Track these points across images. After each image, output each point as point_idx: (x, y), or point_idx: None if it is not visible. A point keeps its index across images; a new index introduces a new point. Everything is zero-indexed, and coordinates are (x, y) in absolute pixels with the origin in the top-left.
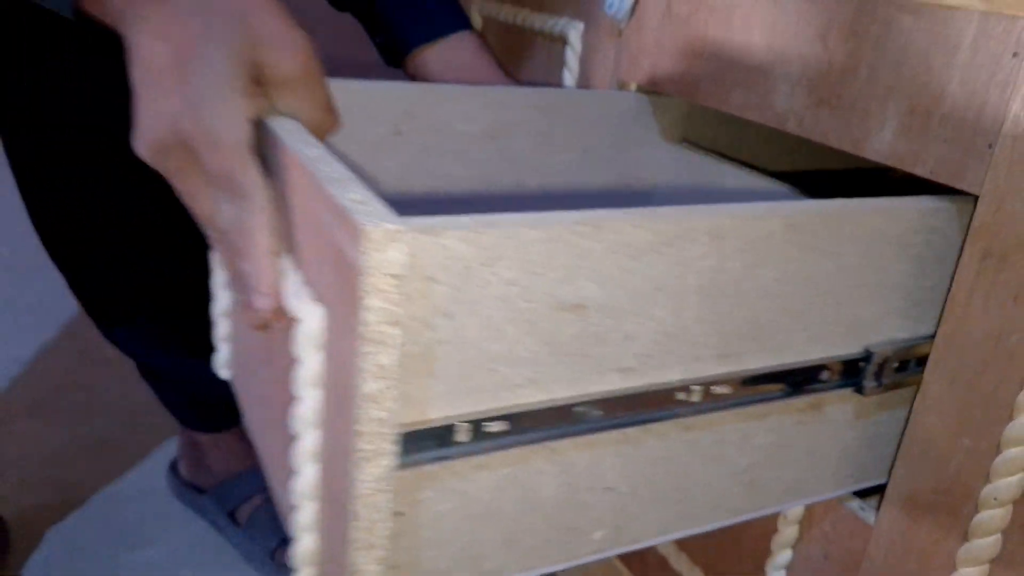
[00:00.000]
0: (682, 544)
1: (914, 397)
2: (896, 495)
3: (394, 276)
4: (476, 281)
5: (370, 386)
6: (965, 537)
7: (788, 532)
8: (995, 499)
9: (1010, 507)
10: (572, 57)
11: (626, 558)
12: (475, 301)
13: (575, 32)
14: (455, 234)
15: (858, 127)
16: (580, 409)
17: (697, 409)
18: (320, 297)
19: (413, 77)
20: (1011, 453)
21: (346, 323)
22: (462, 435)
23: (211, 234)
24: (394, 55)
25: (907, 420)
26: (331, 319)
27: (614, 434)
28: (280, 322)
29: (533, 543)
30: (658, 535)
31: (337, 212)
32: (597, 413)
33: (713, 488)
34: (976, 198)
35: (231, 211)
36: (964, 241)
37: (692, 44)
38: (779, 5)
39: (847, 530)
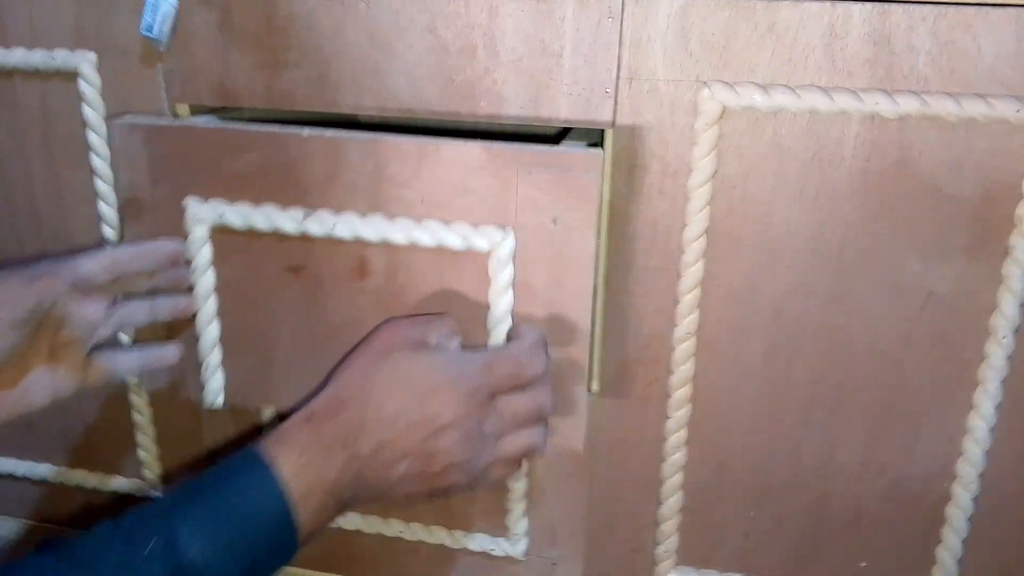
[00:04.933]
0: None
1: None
2: (604, 368)
3: None
4: None
5: None
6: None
7: None
8: (687, 333)
9: (695, 339)
10: (90, 91)
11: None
12: None
13: (87, 64)
14: None
15: (488, 100)
16: None
17: None
18: None
19: None
20: (686, 299)
21: None
22: None
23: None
24: None
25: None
26: None
27: None
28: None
29: None
30: None
31: None
32: None
33: None
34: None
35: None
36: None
37: (273, 52)
38: (369, 4)
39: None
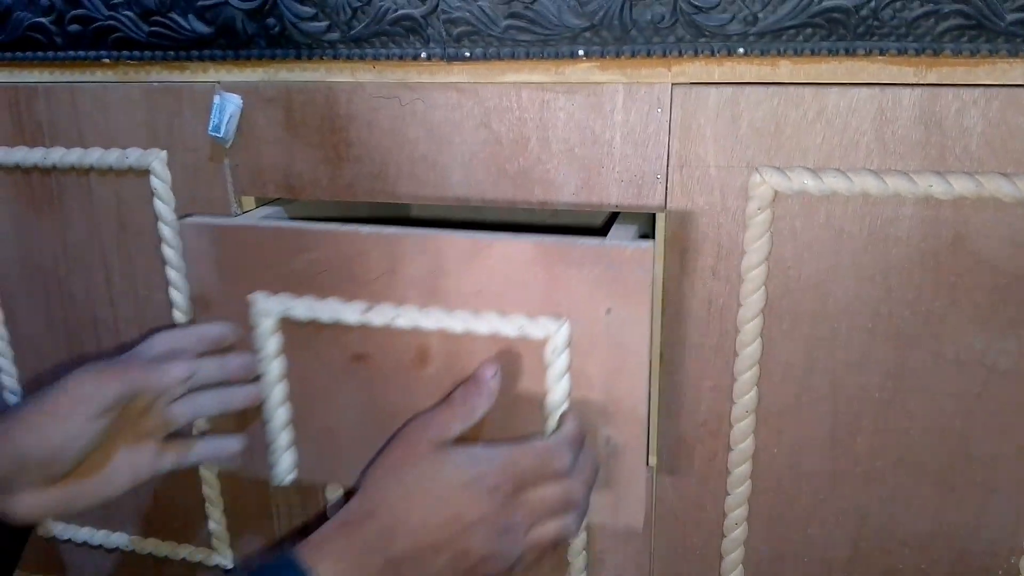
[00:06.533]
0: None
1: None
2: (662, 444)
3: None
4: None
5: None
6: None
7: None
8: (746, 411)
9: (754, 416)
10: (163, 187)
11: None
12: None
13: (159, 161)
14: None
15: (542, 188)
16: None
17: None
18: None
19: None
20: (744, 378)
21: None
22: None
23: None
24: None
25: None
26: None
27: None
28: None
29: None
30: None
31: None
32: None
33: None
34: (664, 215)
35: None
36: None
37: (335, 148)
38: (425, 101)
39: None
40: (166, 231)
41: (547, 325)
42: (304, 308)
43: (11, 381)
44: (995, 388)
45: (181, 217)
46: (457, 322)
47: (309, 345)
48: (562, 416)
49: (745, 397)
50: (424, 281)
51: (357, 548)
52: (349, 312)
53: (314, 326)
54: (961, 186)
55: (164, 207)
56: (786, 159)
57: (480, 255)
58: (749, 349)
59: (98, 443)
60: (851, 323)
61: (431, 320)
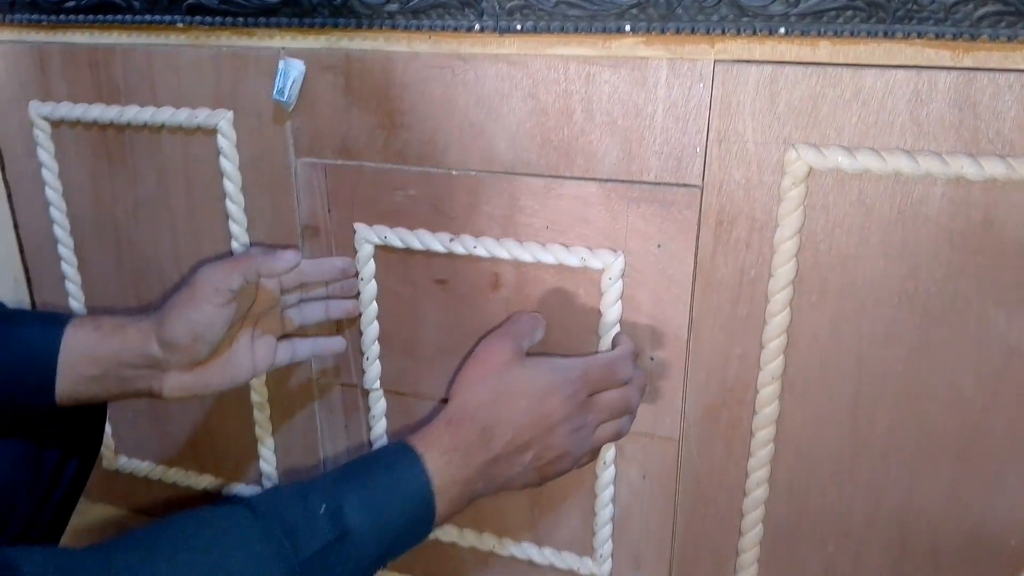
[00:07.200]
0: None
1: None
2: (692, 409)
3: None
4: None
5: None
6: (750, 431)
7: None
8: (772, 378)
9: (779, 383)
10: (228, 145)
11: None
12: None
13: (225, 121)
14: None
15: (584, 158)
16: None
17: None
18: None
19: None
20: (771, 346)
21: None
22: None
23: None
24: None
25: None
26: None
27: None
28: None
29: None
30: None
31: None
32: None
33: None
34: (701, 188)
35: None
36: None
37: (389, 115)
38: (476, 72)
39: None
40: (229, 187)
41: (605, 257)
42: (398, 237)
43: None
44: (1016, 367)
45: (298, 154)
46: (527, 253)
47: (400, 269)
48: (618, 336)
49: (772, 364)
50: (501, 217)
51: (461, 444)
52: (435, 242)
53: (405, 253)
54: (992, 168)
55: (229, 164)
56: (821, 137)
57: (551, 194)
58: (778, 319)
59: (229, 331)
60: (877, 298)
61: (505, 251)
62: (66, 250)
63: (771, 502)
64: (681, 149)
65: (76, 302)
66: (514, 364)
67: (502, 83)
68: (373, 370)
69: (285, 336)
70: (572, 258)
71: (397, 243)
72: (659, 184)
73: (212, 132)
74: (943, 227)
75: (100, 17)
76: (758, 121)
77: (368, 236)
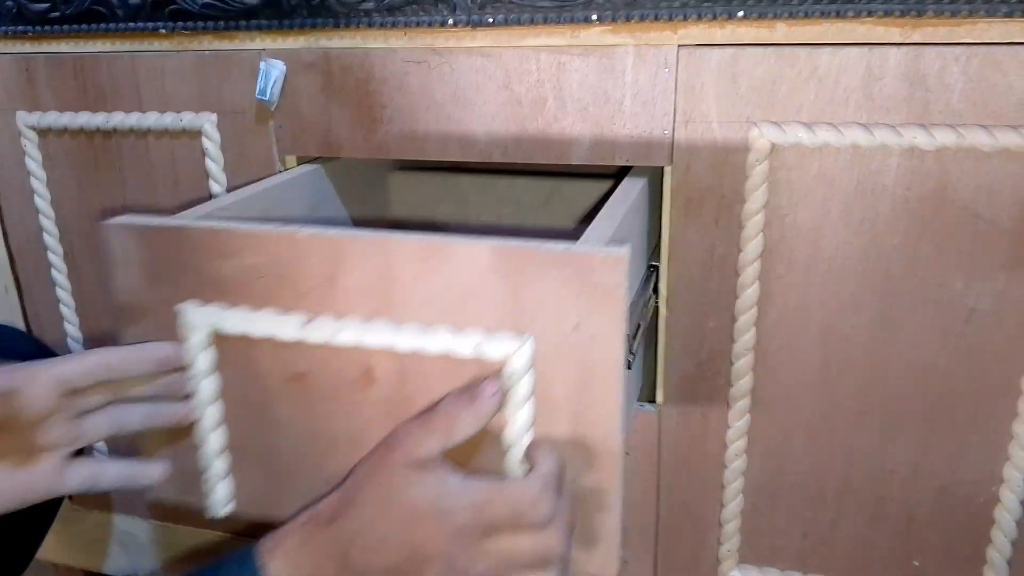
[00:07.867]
0: None
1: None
2: (669, 383)
3: None
4: None
5: None
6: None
7: None
8: (745, 349)
9: (752, 354)
10: (213, 147)
11: None
12: None
13: (209, 123)
14: None
15: (558, 145)
16: None
17: None
18: None
19: None
20: (743, 318)
21: None
22: None
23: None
24: None
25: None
26: None
27: None
28: None
29: None
30: None
31: None
32: None
33: None
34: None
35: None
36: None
37: (369, 110)
38: (452, 66)
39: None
40: (215, 188)
41: (506, 343)
42: (237, 320)
43: (74, 329)
44: (975, 328)
45: (104, 219)
46: (405, 338)
47: (244, 362)
48: (535, 449)
49: (744, 336)
50: (369, 291)
51: (313, 550)
52: (286, 326)
53: (249, 341)
54: (943, 138)
55: (214, 166)
56: (782, 114)
57: (433, 259)
58: (748, 291)
59: None
60: (842, 267)
61: (376, 336)
62: (56, 257)
63: (750, 472)
64: (650, 132)
65: (67, 308)
66: (411, 469)
67: (477, 75)
68: (220, 491)
69: (80, 453)
70: (464, 345)
71: (236, 327)
72: (570, 251)
73: (197, 135)
74: (900, 196)
75: (84, 26)
76: (721, 102)
77: (198, 319)
